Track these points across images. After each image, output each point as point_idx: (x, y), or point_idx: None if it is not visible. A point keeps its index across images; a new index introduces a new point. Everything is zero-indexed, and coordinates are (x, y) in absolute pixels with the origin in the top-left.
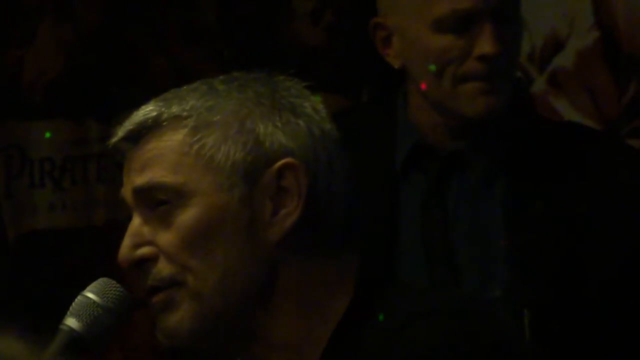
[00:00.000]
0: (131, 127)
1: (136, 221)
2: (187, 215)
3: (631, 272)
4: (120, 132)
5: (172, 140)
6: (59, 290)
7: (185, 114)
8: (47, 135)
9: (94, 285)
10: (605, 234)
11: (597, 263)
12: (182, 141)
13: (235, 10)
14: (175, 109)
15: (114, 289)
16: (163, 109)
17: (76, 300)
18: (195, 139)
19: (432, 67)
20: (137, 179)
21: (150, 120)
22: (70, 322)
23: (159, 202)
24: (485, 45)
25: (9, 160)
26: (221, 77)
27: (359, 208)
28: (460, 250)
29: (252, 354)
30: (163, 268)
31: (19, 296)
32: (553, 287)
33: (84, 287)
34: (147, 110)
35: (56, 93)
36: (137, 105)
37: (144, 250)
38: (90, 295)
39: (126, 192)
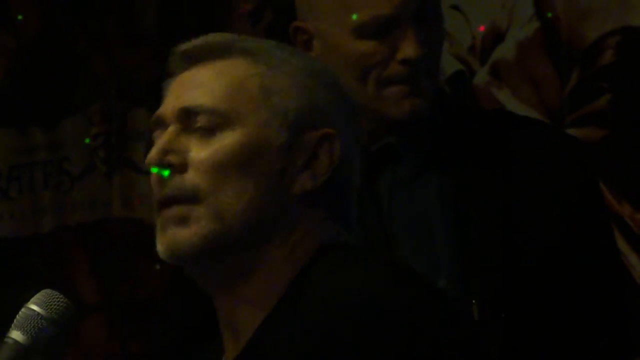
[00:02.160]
0: (198, 46)
1: (173, 128)
2: (229, 139)
3: (568, 256)
4: (185, 47)
5: (237, 68)
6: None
7: (257, 51)
8: None
9: (37, 297)
10: (540, 218)
11: (534, 249)
12: (245, 73)
13: (175, 11)
14: (249, 44)
15: (57, 300)
16: (236, 40)
17: (20, 312)
18: (261, 76)
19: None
20: (187, 97)
21: (220, 46)
22: (15, 334)
23: (203, 119)
24: (407, 49)
25: None
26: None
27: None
28: (400, 243)
29: (227, 293)
30: (187, 182)
31: None
32: (495, 275)
33: (32, 296)
34: (218, 37)
35: None
36: (79, 111)
37: (175, 157)
38: (34, 307)
39: (167, 108)
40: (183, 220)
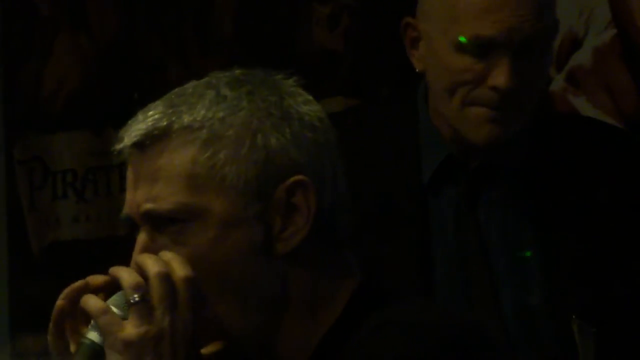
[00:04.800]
0: (138, 136)
1: (145, 235)
2: (203, 237)
3: None
4: (127, 140)
5: (183, 155)
6: None
7: (197, 124)
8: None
9: (114, 298)
10: (634, 233)
11: (629, 263)
12: (194, 158)
13: (252, 18)
14: (186, 119)
15: None
16: (173, 119)
17: None
18: (208, 154)
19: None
20: (146, 198)
21: (159, 130)
22: (93, 335)
23: (172, 220)
24: (499, 78)
25: (31, 172)
26: (224, 78)
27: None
28: (496, 264)
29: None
30: None
31: (44, 309)
32: (592, 292)
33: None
34: (156, 119)
35: (75, 104)
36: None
37: None
38: (112, 308)
39: (132, 209)
40: None
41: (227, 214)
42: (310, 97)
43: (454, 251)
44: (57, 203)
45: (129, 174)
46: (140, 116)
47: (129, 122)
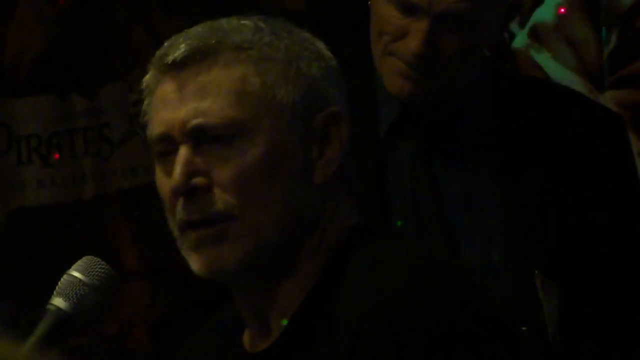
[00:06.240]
0: (187, 51)
1: (186, 151)
2: (249, 154)
3: (621, 223)
4: (173, 55)
5: (234, 72)
6: (50, 266)
7: (246, 44)
8: None
9: (79, 263)
10: (592, 190)
11: (589, 217)
12: (244, 75)
13: None
14: (235, 38)
15: (99, 266)
16: (222, 38)
17: (62, 279)
18: (259, 73)
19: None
20: (195, 113)
21: (208, 47)
22: (57, 301)
23: (216, 137)
24: (413, 41)
25: None
26: (255, 17)
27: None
28: (454, 217)
29: (259, 294)
30: (217, 201)
31: (7, 274)
32: (553, 246)
33: (74, 262)
34: (204, 37)
35: (39, 69)
36: (119, 77)
37: (198, 180)
38: (76, 274)
39: (174, 125)
40: (221, 239)
41: (274, 132)
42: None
43: (410, 203)
44: (22, 168)
45: (168, 92)
46: (180, 38)
47: (166, 44)
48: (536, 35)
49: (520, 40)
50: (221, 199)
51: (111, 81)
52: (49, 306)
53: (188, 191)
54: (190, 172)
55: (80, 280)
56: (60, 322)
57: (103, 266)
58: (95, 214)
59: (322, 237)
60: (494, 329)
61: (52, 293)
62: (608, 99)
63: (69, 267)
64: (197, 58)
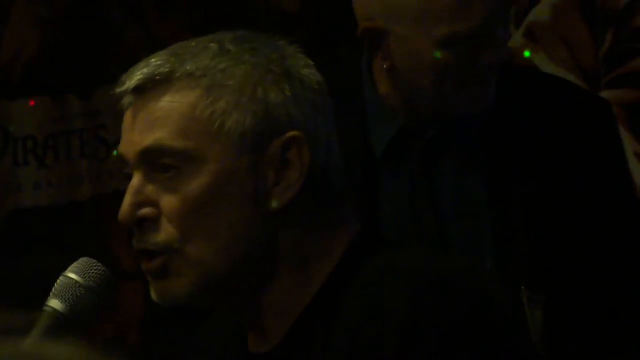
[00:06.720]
0: (141, 79)
1: (138, 180)
2: (196, 184)
3: (617, 234)
4: (129, 83)
5: (183, 101)
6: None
7: (199, 73)
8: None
9: (75, 265)
10: (590, 202)
11: (583, 231)
12: (194, 103)
13: None
14: (189, 67)
15: (95, 268)
16: (176, 65)
17: (58, 281)
18: (208, 101)
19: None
20: (144, 138)
21: (162, 76)
22: (54, 303)
23: (165, 166)
24: (492, 55)
25: None
26: (229, 35)
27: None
28: (449, 231)
29: (243, 312)
30: (162, 232)
31: (3, 276)
32: (543, 261)
33: (71, 264)
34: (159, 64)
35: (35, 71)
36: (115, 79)
37: (146, 211)
38: (72, 275)
39: (128, 149)
40: (164, 273)
41: (221, 162)
42: (312, 63)
43: (407, 220)
44: (18, 169)
45: (127, 118)
46: (142, 63)
47: (131, 69)
48: (532, 34)
49: (516, 40)
50: (165, 230)
51: (107, 83)
52: (45, 308)
53: (135, 222)
54: (139, 202)
55: (76, 282)
56: (56, 324)
57: (99, 268)
58: (92, 216)
59: (306, 258)
60: (500, 341)
61: (49, 295)
62: None
63: (65, 268)
64: (149, 87)
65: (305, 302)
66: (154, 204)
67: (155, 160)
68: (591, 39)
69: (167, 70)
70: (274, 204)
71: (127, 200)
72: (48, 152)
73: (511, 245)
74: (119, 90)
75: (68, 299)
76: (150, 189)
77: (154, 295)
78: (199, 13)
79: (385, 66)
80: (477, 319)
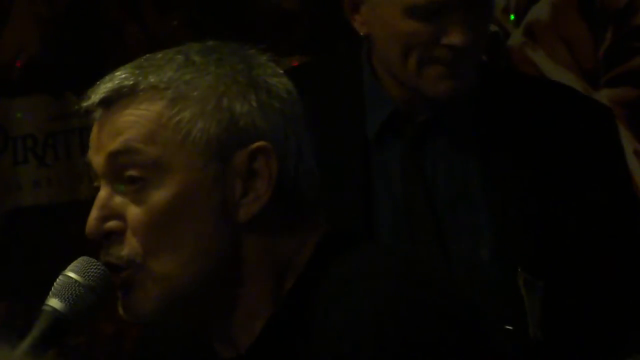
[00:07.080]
0: (106, 92)
1: (105, 192)
2: (162, 194)
3: (610, 222)
4: (94, 97)
5: (149, 110)
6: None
7: (163, 85)
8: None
9: (75, 264)
10: (581, 186)
11: (577, 215)
12: (159, 112)
13: None
14: (153, 79)
15: (95, 267)
16: (140, 78)
17: (58, 280)
18: (174, 111)
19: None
20: (111, 143)
21: (126, 88)
22: (53, 302)
23: (132, 178)
24: (455, 36)
25: None
26: (196, 46)
27: (331, 178)
28: (443, 215)
29: (210, 323)
30: (125, 247)
31: (3, 274)
32: (539, 244)
33: (71, 262)
34: (123, 77)
35: (34, 69)
36: None
37: (112, 224)
38: (72, 274)
39: (96, 157)
40: (129, 288)
41: (186, 173)
42: (281, 71)
43: (399, 202)
44: (17, 168)
45: (94, 131)
46: (107, 77)
47: (97, 83)
48: (531, 33)
49: (515, 38)
50: (129, 244)
51: None
52: (44, 307)
53: (102, 235)
54: (104, 216)
55: (75, 281)
56: (56, 323)
57: (99, 267)
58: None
59: (273, 267)
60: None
61: (48, 294)
62: (603, 96)
63: (65, 267)
64: (114, 99)
65: (272, 309)
66: (120, 216)
67: (122, 171)
68: (591, 37)
69: (131, 82)
70: (242, 216)
71: (93, 213)
72: (48, 150)
73: (509, 231)
74: (84, 104)
75: (67, 298)
76: (116, 201)
77: (120, 310)
78: (198, 12)
79: (362, 33)
80: (445, 330)
